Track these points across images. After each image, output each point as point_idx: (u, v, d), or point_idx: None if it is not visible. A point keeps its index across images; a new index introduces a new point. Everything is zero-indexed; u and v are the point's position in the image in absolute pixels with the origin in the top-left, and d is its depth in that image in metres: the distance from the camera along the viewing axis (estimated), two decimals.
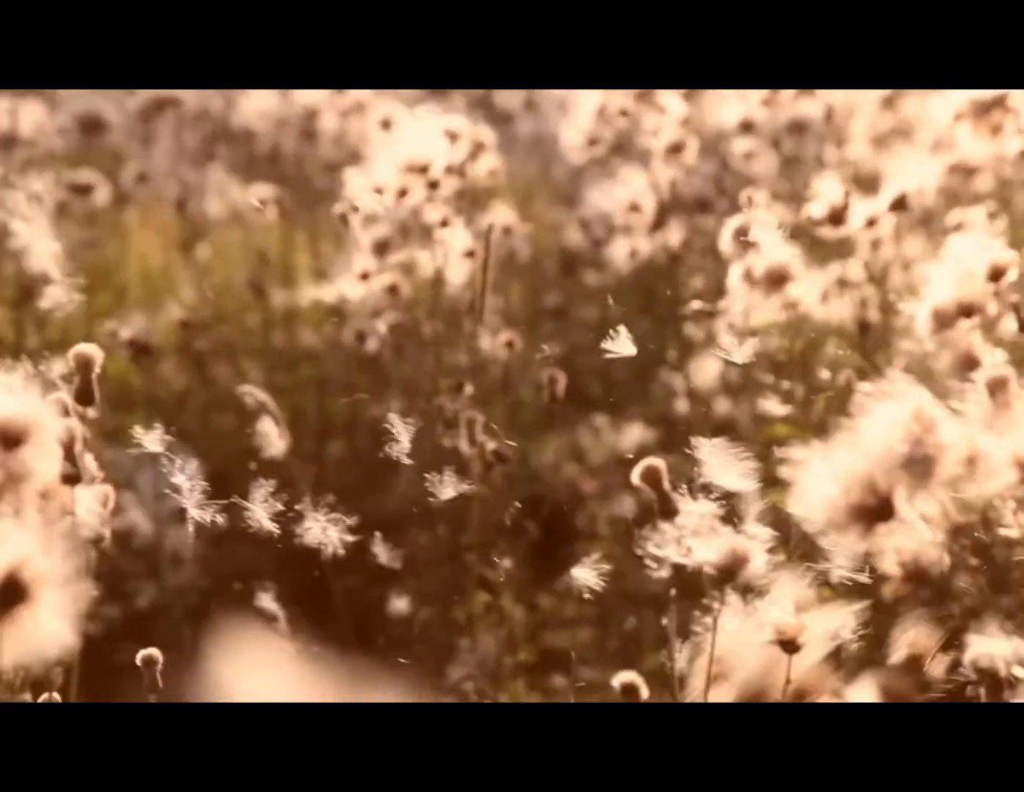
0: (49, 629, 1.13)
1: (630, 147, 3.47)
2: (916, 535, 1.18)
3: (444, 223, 2.55)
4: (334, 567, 2.33)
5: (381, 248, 2.67)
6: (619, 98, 3.44)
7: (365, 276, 2.69)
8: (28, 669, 1.18)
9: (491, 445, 2.26)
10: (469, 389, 2.48)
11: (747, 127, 3.42)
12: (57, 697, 1.42)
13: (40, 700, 1.41)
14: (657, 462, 1.44)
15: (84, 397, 1.35)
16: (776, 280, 2.36)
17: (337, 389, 3.12)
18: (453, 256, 2.57)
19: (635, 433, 3.33)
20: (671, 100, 3.34)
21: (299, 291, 3.32)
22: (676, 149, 3.29)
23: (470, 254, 2.59)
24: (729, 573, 1.31)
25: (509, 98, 4.28)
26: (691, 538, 1.33)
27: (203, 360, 3.27)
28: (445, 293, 2.64)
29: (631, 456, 1.60)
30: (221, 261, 3.67)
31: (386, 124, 3.11)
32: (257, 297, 3.34)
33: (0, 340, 3.15)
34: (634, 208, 3.37)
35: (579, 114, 3.56)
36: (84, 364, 1.35)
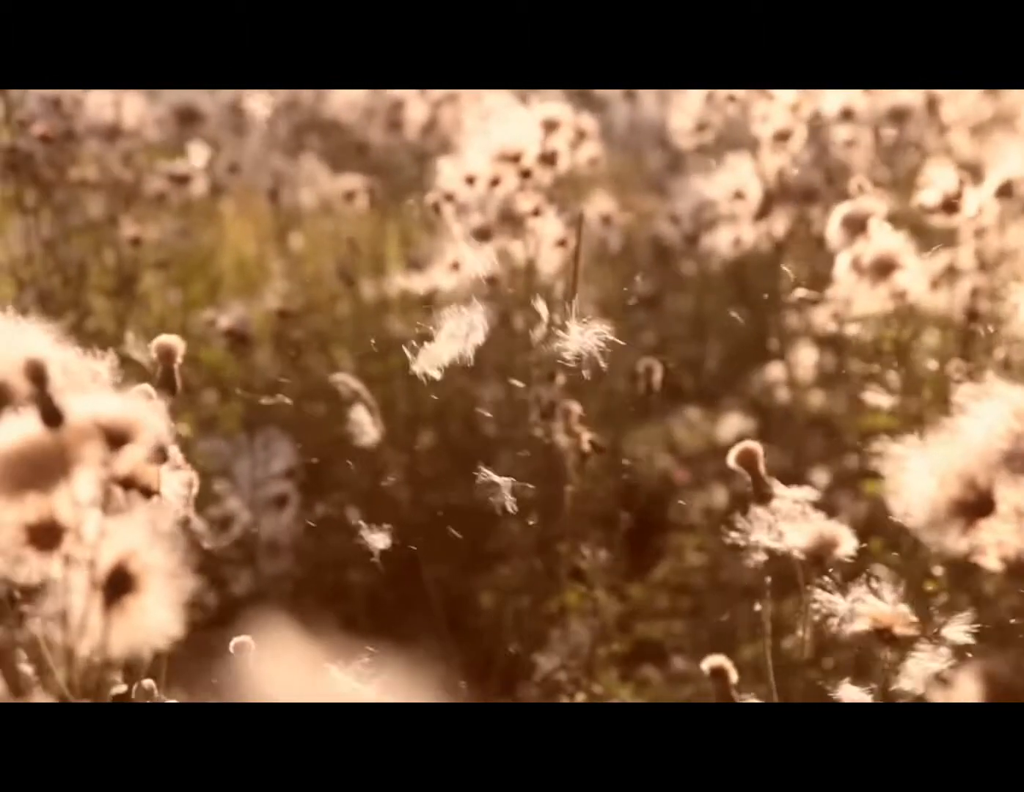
0: (156, 618, 1.16)
1: (733, 134, 3.42)
2: (1018, 530, 1.15)
3: (536, 212, 2.53)
4: (426, 556, 2.33)
5: (474, 237, 2.65)
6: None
7: (456, 266, 2.68)
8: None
9: (586, 436, 2.24)
10: (561, 379, 2.46)
11: (848, 115, 3.36)
12: (151, 683, 1.44)
13: (134, 687, 1.42)
14: (753, 445, 1.42)
15: (166, 386, 1.38)
16: (884, 268, 2.31)
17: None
18: (545, 245, 2.55)
19: (731, 423, 3.29)
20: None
21: (390, 280, 3.31)
22: (783, 136, 3.23)
23: (562, 243, 2.57)
24: (818, 558, 1.29)
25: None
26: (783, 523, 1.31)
27: (298, 349, 3.28)
28: (537, 282, 2.61)
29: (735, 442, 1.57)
30: (313, 251, 3.68)
31: (482, 114, 3.10)
32: (348, 286, 3.34)
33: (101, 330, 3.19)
34: (739, 196, 3.32)
35: (688, 99, 3.51)
36: (166, 354, 1.38)
